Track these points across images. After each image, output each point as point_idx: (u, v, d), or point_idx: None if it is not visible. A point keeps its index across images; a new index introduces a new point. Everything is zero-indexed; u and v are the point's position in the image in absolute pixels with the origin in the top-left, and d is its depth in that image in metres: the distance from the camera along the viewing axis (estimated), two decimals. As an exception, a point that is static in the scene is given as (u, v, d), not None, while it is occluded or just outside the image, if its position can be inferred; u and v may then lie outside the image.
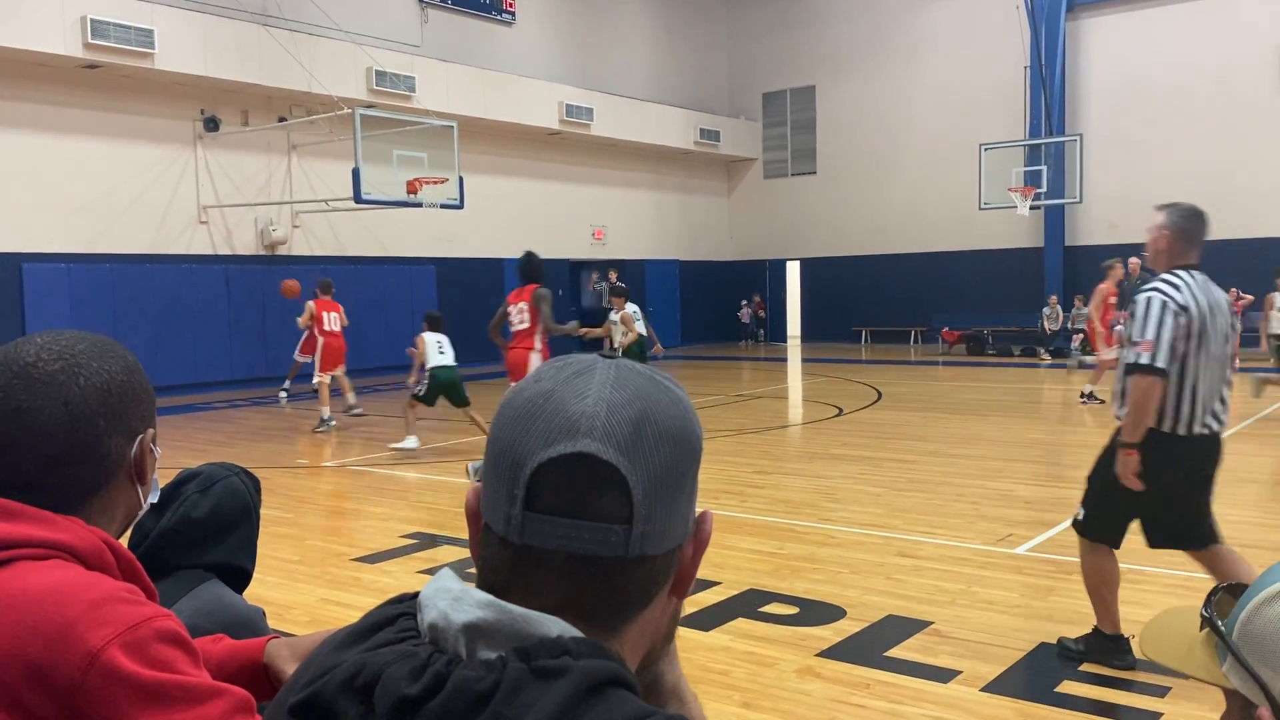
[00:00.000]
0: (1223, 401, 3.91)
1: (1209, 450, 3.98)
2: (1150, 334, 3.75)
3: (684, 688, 0.91)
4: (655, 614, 0.79)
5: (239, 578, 2.05)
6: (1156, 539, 4.11)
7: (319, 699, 0.73)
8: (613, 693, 0.70)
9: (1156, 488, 3.91)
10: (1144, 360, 3.74)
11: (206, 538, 1.96)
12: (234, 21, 15.38)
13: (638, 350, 11.75)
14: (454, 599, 0.74)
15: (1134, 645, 4.25)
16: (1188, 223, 3.95)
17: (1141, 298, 3.83)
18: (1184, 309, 3.75)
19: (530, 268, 8.56)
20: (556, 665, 0.69)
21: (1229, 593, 0.83)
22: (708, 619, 4.75)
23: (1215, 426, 3.91)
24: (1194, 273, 3.90)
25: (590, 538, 0.73)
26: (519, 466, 0.74)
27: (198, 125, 15.94)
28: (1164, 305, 3.76)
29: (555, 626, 0.72)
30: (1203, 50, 20.17)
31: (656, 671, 0.90)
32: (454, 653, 0.72)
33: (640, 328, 12.05)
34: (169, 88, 15.33)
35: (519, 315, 8.48)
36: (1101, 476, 4.08)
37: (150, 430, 1.26)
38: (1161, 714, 3.61)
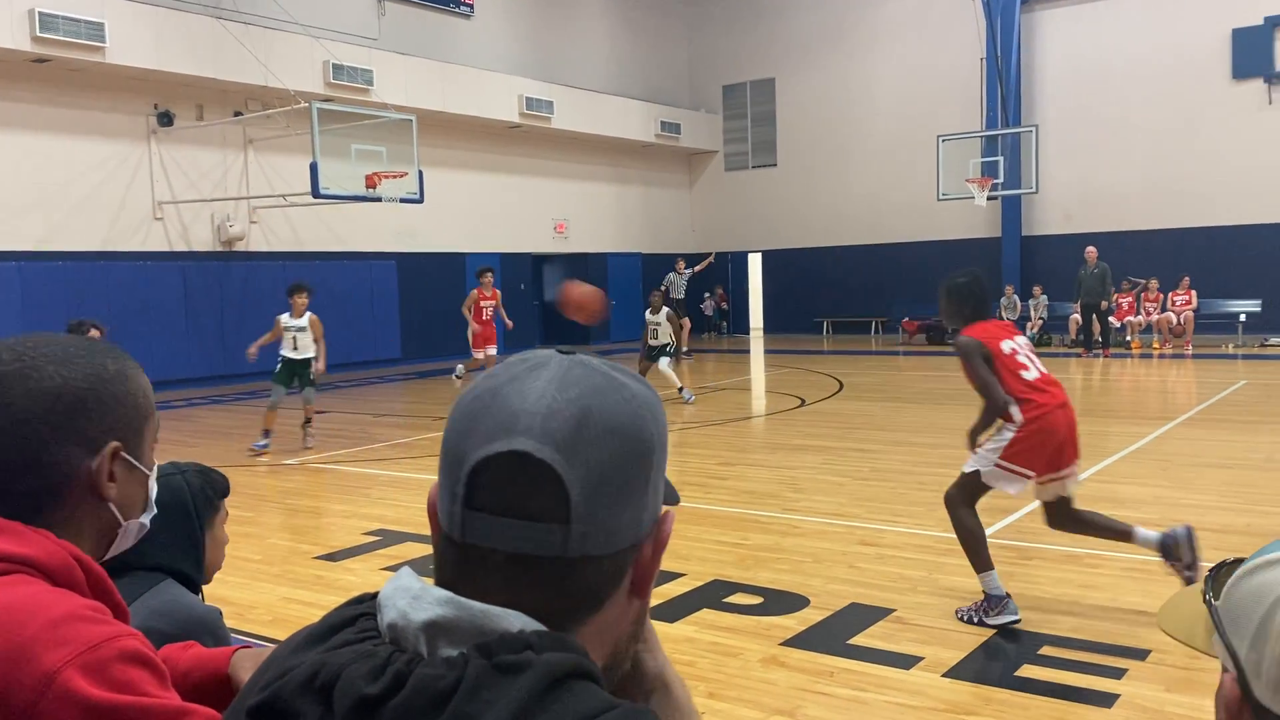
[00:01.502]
0: None
1: None
2: None
3: (668, 674, 0.90)
4: (612, 616, 0.77)
5: (186, 581, 2.02)
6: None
7: (277, 701, 0.72)
8: (576, 685, 0.69)
9: None
10: None
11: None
12: (187, 14, 15.14)
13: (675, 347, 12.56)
14: (413, 597, 0.73)
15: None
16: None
17: None
18: None
19: None
20: (518, 660, 0.68)
21: (1231, 567, 0.85)
22: (672, 610, 4.77)
23: None
24: None
25: (527, 537, 0.72)
26: (460, 464, 0.73)
27: (151, 120, 15.69)
28: None
29: (517, 621, 0.71)
30: (1156, 41, 20.47)
31: (637, 659, 0.89)
32: (415, 651, 0.71)
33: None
34: (121, 82, 15.07)
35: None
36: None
37: (113, 444, 1.18)
38: (1119, 695, 3.67)
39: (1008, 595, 4.47)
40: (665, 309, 12.72)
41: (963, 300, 4.80)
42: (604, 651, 0.77)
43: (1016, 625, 4.39)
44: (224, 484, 2.15)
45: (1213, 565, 0.85)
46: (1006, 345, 4.66)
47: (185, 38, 15.02)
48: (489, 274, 14.01)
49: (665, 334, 12.60)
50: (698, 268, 21.02)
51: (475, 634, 0.71)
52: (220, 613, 2.14)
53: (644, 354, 12.62)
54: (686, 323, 18.37)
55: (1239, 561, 0.85)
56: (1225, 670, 0.78)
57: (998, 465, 4.55)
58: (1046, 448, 4.49)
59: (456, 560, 0.74)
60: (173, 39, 14.87)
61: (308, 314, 9.93)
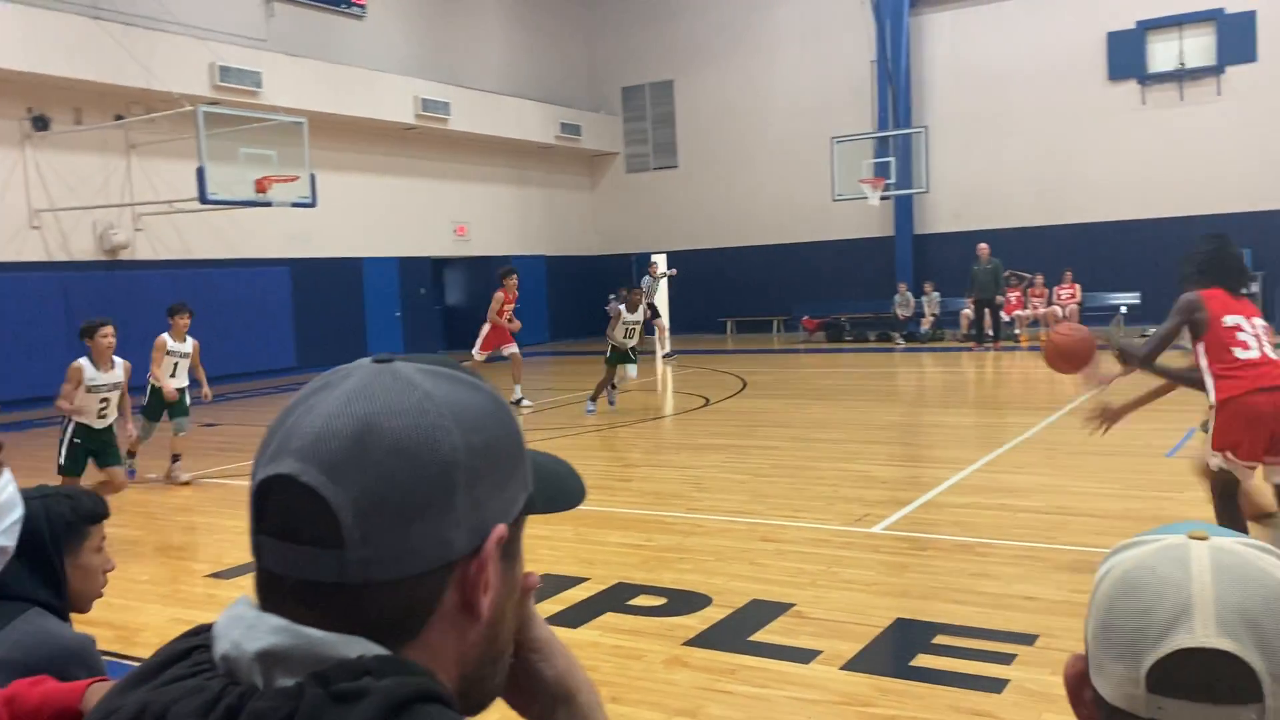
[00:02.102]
0: None
1: None
2: None
3: (573, 680, 0.87)
4: (440, 640, 0.73)
5: (50, 609, 1.93)
6: None
7: None
8: (421, 709, 0.66)
9: None
10: None
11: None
12: (61, 14, 14.51)
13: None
14: (248, 626, 0.70)
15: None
16: None
17: None
18: None
19: None
20: (356, 688, 0.65)
21: None
22: (576, 615, 4.75)
23: None
24: None
25: (302, 562, 0.69)
26: (252, 485, 0.72)
27: (25, 124, 15.00)
28: None
29: (357, 647, 0.68)
30: (1036, 43, 21.22)
31: (534, 670, 0.86)
32: (249, 684, 0.68)
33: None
34: (-9, 84, 14.39)
35: None
36: None
37: None
38: (1009, 680, 3.78)
39: None
40: (641, 308, 12.45)
41: (1202, 263, 4.74)
42: (451, 674, 0.74)
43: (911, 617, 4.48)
44: (94, 509, 2.06)
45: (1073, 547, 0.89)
46: (1230, 319, 4.59)
47: (60, 38, 14.39)
48: (514, 276, 13.05)
49: (637, 335, 12.34)
50: (671, 271, 20.89)
51: (312, 662, 0.67)
52: (93, 640, 2.05)
53: (616, 356, 12.11)
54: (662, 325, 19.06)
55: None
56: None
57: (1214, 449, 4.50)
58: (1247, 429, 4.39)
59: (260, 586, 0.72)
60: (46, 39, 14.24)
61: (189, 338, 9.04)
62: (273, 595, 0.71)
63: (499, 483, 0.74)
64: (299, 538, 0.69)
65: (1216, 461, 4.52)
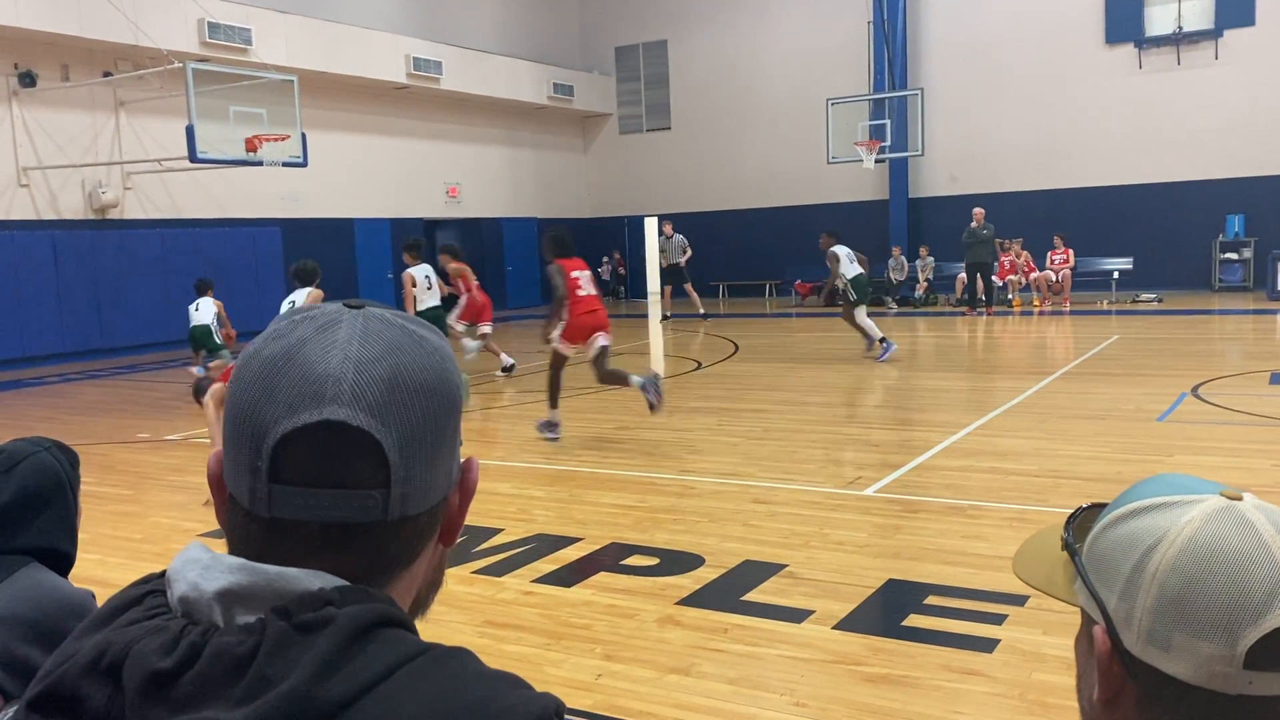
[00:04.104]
0: None
1: None
2: None
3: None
4: (422, 566, 0.77)
5: (60, 561, 1.92)
6: None
7: (60, 688, 0.67)
8: (385, 633, 0.67)
9: None
10: None
11: (13, 522, 1.82)
12: (47, -32, 14.30)
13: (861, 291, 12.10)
14: (204, 568, 0.70)
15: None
16: None
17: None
18: None
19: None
20: (319, 617, 0.65)
21: (1090, 513, 0.84)
22: (570, 575, 4.78)
23: None
24: None
25: (346, 506, 0.69)
26: (260, 436, 0.69)
27: (12, 81, 14.81)
28: None
29: (316, 580, 0.68)
30: (1035, 4, 21.06)
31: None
32: (209, 622, 0.68)
33: (850, 269, 12.24)
34: (-24, 39, 14.19)
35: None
36: None
37: None
38: (999, 640, 3.82)
39: None
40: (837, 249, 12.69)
41: None
42: (407, 600, 0.76)
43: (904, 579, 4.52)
44: (77, 456, 2.07)
45: (1071, 511, 0.86)
46: None
47: (45, -8, 14.19)
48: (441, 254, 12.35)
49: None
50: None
51: (273, 597, 0.67)
52: (93, 595, 2.05)
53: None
54: (667, 289, 19.14)
55: (1096, 506, 0.84)
56: (1092, 621, 0.78)
57: None
58: None
59: (262, 535, 0.71)
60: (32, -6, 14.03)
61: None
62: (281, 542, 0.70)
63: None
64: (342, 482, 0.69)
65: None
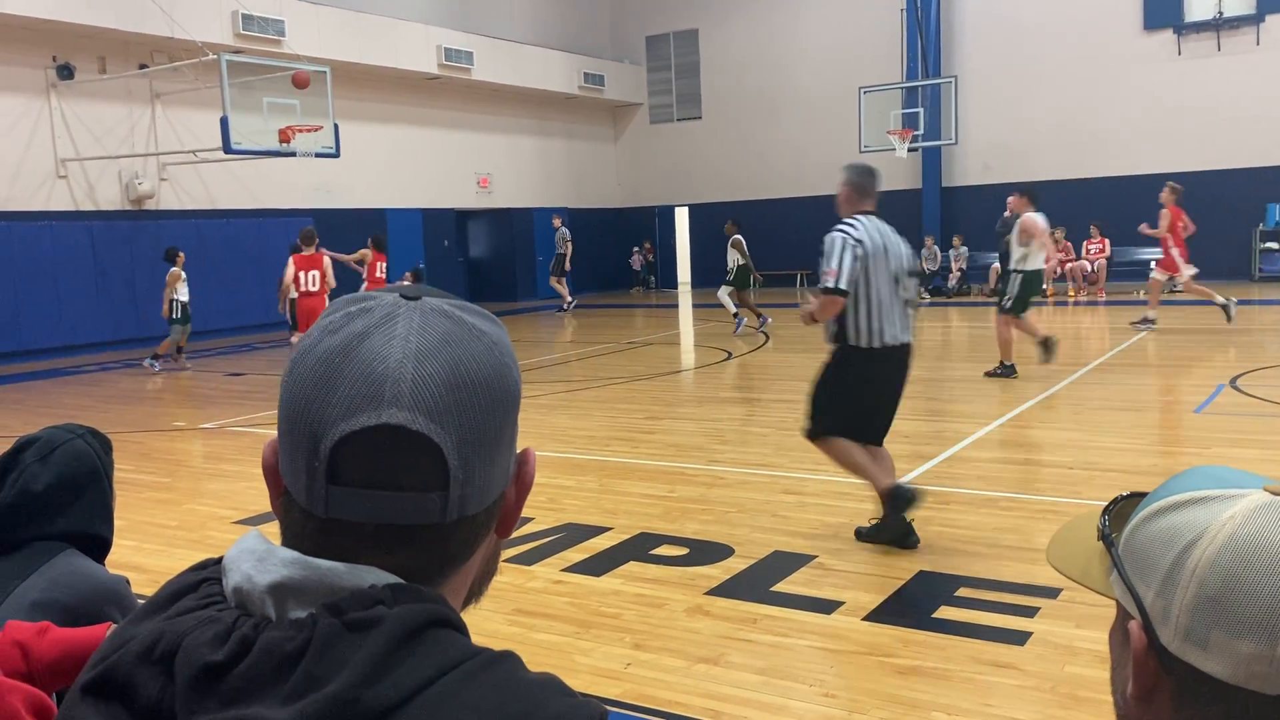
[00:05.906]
0: (901, 322, 4.86)
1: (894, 360, 4.89)
2: (834, 265, 4.75)
3: None
4: (478, 560, 0.77)
5: (97, 545, 1.95)
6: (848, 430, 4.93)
7: (113, 674, 0.68)
8: (433, 634, 0.67)
9: (853, 390, 4.93)
10: (829, 284, 4.77)
11: (50, 508, 1.85)
12: (84, -39, 14.47)
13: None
14: (258, 559, 0.70)
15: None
16: (860, 178, 5.08)
17: (828, 237, 4.86)
18: (859, 242, 4.78)
19: None
20: (370, 616, 0.65)
21: (1129, 502, 0.82)
22: (600, 564, 4.79)
23: (896, 340, 4.83)
24: (871, 216, 4.96)
25: (405, 508, 0.69)
26: (317, 438, 0.68)
27: (50, 73, 15.01)
28: (844, 242, 4.79)
29: (369, 577, 0.68)
30: (1069, -7, 20.75)
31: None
32: (261, 615, 0.68)
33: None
34: (15, 33, 14.37)
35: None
36: (817, 387, 5.12)
37: None
38: (1031, 633, 3.79)
39: None
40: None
41: None
42: (462, 592, 0.76)
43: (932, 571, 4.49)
44: (109, 441, 2.09)
45: (1108, 501, 0.84)
46: None
47: (83, -14, 14.35)
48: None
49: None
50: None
51: (325, 593, 0.67)
52: (127, 581, 2.07)
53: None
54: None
55: (1135, 496, 0.83)
56: (1128, 615, 0.77)
57: None
58: None
59: (317, 534, 0.71)
60: (69, -13, 14.20)
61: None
62: (337, 540, 0.70)
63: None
64: (401, 485, 0.68)
65: None
